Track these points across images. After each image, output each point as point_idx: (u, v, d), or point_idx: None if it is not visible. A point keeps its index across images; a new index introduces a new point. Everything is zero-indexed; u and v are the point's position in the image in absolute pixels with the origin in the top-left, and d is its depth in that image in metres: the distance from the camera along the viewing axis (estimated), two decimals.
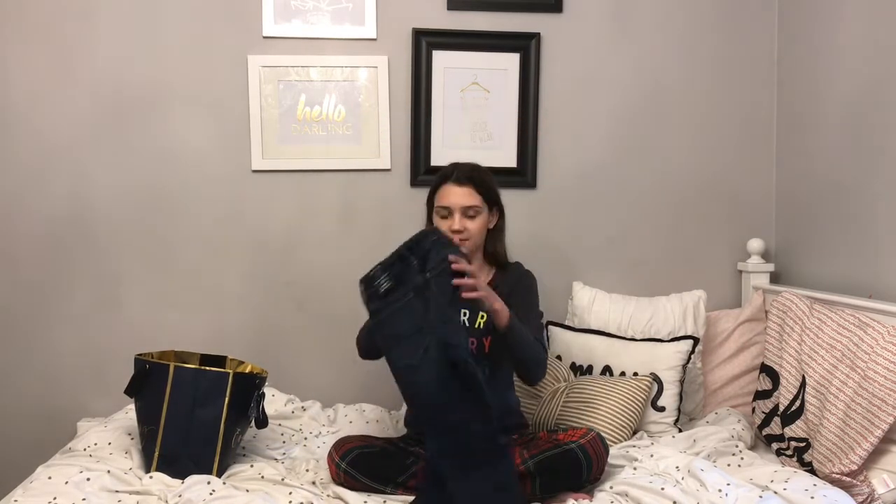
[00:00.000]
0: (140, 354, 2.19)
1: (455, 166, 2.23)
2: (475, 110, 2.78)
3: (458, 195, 2.17)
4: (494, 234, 2.28)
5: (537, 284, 2.30)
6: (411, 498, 1.97)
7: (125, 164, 2.66)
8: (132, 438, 2.21)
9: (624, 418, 2.36)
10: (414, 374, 1.88)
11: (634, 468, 2.07)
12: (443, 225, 2.18)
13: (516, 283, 2.26)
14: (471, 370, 1.87)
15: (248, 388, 2.13)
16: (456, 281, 1.93)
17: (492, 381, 1.99)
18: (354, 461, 2.02)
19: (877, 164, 2.37)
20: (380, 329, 1.94)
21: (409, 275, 1.92)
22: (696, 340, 2.58)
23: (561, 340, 2.66)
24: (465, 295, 1.94)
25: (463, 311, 2.17)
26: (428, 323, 1.89)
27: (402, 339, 1.91)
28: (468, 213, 2.18)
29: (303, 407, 2.58)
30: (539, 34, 2.77)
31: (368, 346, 2.16)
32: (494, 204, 2.25)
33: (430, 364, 1.87)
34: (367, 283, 1.94)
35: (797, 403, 2.24)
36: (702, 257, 2.89)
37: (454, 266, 1.93)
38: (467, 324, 2.20)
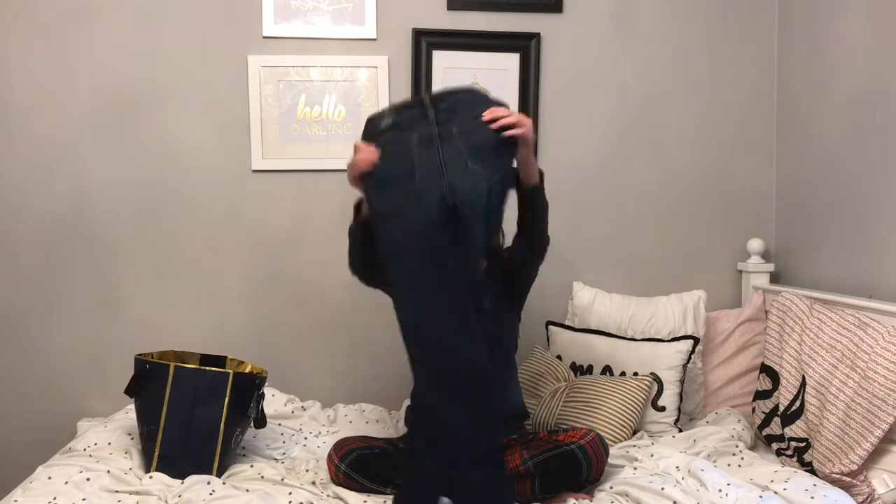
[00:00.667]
0: (140, 354, 2.19)
1: None
2: None
3: None
4: None
5: None
6: None
7: (126, 164, 2.66)
8: (132, 438, 2.20)
9: (624, 418, 2.36)
10: (397, 219, 1.77)
11: (634, 468, 2.07)
12: None
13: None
14: (465, 218, 1.73)
15: (248, 388, 2.13)
16: (488, 116, 1.85)
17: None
18: (354, 463, 2.02)
19: (877, 164, 2.37)
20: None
21: (420, 123, 1.84)
22: (696, 340, 2.58)
23: (561, 340, 2.66)
24: (510, 133, 1.85)
25: None
26: (427, 172, 1.77)
27: (390, 183, 1.81)
28: None
29: (303, 407, 2.58)
30: (539, 34, 2.77)
31: (360, 256, 2.08)
32: None
33: (422, 212, 1.74)
34: (370, 119, 1.89)
35: (797, 403, 2.24)
36: (702, 257, 2.89)
37: (486, 115, 1.86)
38: None
